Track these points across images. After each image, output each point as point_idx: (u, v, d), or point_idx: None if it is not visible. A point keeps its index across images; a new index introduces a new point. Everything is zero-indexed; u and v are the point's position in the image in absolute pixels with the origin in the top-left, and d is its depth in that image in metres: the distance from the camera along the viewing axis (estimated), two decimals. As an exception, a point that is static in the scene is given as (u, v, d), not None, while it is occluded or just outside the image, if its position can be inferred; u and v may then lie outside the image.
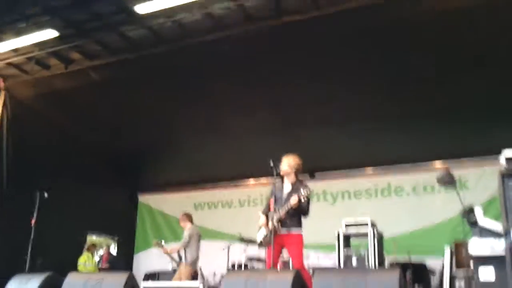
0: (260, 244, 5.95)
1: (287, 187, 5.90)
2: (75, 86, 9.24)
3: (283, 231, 5.73)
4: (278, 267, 6.19)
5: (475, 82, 7.85)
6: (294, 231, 5.73)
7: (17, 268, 6.25)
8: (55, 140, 10.12)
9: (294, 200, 5.59)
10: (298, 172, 5.98)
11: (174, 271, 8.53)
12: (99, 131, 10.42)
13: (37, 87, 9.51)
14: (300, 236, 5.75)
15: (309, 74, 8.36)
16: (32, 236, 7.38)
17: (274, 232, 5.65)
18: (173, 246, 8.44)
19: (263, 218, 5.92)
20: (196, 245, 8.10)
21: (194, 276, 7.92)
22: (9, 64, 9.06)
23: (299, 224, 5.79)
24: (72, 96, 9.53)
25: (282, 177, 6.00)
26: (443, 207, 9.50)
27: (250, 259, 8.77)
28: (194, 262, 7.99)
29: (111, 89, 9.20)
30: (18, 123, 9.46)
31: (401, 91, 8.48)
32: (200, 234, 8.32)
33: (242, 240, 9.10)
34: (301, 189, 5.67)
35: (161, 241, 8.54)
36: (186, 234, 8.14)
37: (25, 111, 9.64)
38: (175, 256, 8.13)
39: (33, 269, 7.11)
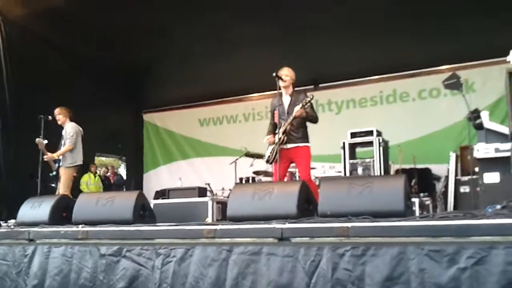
0: (268, 161, 6.00)
1: (286, 99, 5.93)
2: (69, 1, 8.87)
3: (290, 145, 5.78)
4: (286, 180, 6.28)
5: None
6: (301, 143, 5.79)
7: (29, 193, 6.38)
8: (54, 61, 9.87)
9: (297, 110, 5.61)
10: (294, 83, 5.99)
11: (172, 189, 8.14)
12: (98, 49, 10.11)
13: (30, 6, 9.09)
14: (307, 148, 5.83)
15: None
16: (40, 161, 7.46)
17: (280, 146, 5.70)
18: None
19: (268, 138, 5.97)
20: (80, 145, 7.50)
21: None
22: (-3, -18, 8.67)
23: (305, 137, 5.86)
24: (67, 13, 9.07)
25: (280, 92, 5.96)
26: (449, 111, 9.45)
27: (257, 173, 8.88)
28: (76, 164, 7.44)
29: (108, 3, 8.82)
30: (15, 47, 9.24)
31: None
32: (82, 133, 7.64)
33: (248, 154, 9.17)
34: (302, 97, 5.71)
35: (43, 141, 7.33)
36: (71, 131, 7.40)
37: (21, 33, 9.33)
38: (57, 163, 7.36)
39: (45, 192, 7.28)
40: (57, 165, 7.51)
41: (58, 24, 9.35)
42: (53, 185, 7.61)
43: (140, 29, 9.47)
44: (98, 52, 10.20)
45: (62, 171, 7.41)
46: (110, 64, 10.70)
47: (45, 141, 7.35)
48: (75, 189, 8.04)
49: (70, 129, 7.48)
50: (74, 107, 7.98)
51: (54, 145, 7.64)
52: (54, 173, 7.51)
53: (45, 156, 7.37)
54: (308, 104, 5.69)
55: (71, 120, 7.64)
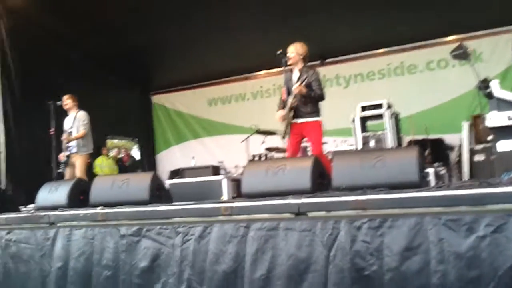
0: (283, 137, 6.00)
1: (296, 75, 5.87)
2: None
3: (300, 120, 5.77)
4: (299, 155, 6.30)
5: None
6: (310, 118, 5.76)
7: (45, 178, 6.46)
8: (58, 47, 9.86)
9: (295, 88, 5.58)
10: (306, 59, 5.90)
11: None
12: (103, 33, 10.02)
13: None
14: (317, 122, 5.78)
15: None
16: (53, 145, 7.54)
17: (289, 122, 5.70)
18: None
19: (278, 113, 5.95)
20: (91, 132, 7.71)
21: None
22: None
23: (314, 110, 5.80)
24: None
25: (291, 68, 5.95)
26: (458, 81, 9.39)
27: (269, 149, 8.91)
28: (90, 151, 7.71)
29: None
30: (18, 36, 9.20)
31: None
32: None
33: (259, 132, 9.20)
34: (311, 73, 5.65)
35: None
36: (85, 118, 7.62)
37: (22, 21, 9.25)
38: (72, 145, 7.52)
39: (61, 177, 7.37)
40: (68, 152, 7.59)
41: (62, 11, 9.27)
42: (59, 170, 7.66)
43: (144, 12, 9.41)
44: (100, 36, 10.13)
45: (76, 158, 7.50)
46: (116, 48, 10.65)
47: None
48: (90, 173, 8.14)
49: (84, 116, 7.66)
50: (83, 93, 8.06)
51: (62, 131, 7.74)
52: (66, 159, 7.58)
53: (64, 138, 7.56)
54: (305, 82, 5.59)
55: (78, 108, 7.79)
